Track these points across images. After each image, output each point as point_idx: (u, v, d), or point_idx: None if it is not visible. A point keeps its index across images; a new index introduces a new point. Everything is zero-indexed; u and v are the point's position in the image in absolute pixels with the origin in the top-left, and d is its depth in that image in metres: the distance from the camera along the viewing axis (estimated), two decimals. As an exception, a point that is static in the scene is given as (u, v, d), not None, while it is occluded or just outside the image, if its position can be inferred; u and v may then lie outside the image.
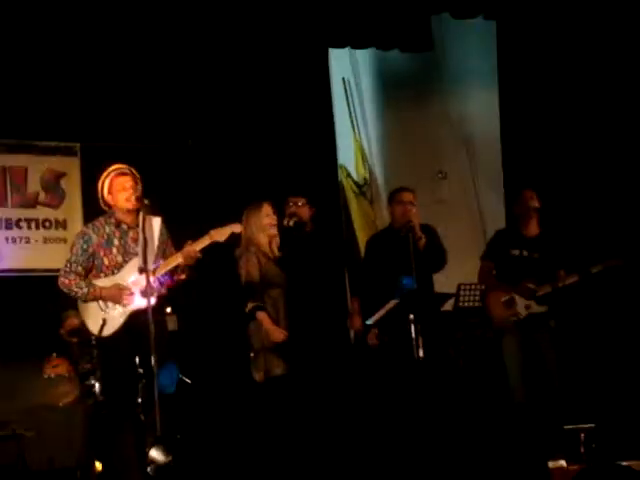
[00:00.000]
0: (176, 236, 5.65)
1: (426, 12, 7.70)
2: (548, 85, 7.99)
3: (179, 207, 6.95)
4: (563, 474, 5.29)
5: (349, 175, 8.47)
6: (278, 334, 5.90)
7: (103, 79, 7.29)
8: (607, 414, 6.34)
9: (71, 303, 5.70)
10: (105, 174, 5.53)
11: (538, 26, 7.83)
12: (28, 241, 7.31)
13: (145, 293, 5.25)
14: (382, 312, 6.08)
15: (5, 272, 7.19)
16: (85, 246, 5.46)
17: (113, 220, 5.51)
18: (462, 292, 7.20)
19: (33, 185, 7.37)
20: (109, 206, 5.54)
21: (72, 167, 7.46)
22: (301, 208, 6.47)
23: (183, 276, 5.50)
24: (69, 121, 7.32)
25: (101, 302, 5.40)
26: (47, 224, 7.38)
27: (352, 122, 8.57)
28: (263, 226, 6.06)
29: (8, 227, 7.26)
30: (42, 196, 7.39)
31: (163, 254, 5.51)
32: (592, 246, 6.96)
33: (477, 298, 7.01)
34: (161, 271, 5.39)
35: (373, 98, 8.62)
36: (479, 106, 8.58)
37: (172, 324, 6.36)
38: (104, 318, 5.38)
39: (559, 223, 6.98)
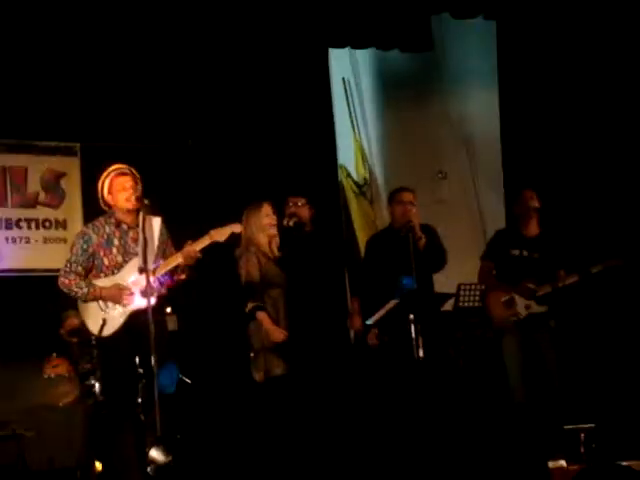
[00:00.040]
0: (176, 236, 5.65)
1: (426, 12, 7.70)
2: (548, 85, 7.99)
3: (179, 207, 6.95)
4: (563, 474, 5.29)
5: (349, 175, 8.47)
6: (278, 334, 5.90)
7: (103, 79, 7.29)
8: (607, 414, 6.34)
9: (71, 303, 5.70)
10: (105, 174, 5.53)
11: (538, 26, 7.83)
12: (28, 241, 7.31)
13: (145, 293, 5.25)
14: (382, 312, 6.08)
15: (5, 272, 7.19)
16: (85, 246, 5.46)
17: (113, 220, 5.51)
18: (462, 292, 7.19)
19: (33, 185, 7.37)
20: (109, 206, 5.53)
21: (72, 167, 7.46)
22: (301, 208, 6.47)
23: (183, 276, 5.50)
24: (69, 121, 7.32)
25: (101, 302, 5.40)
26: (47, 224, 7.38)
27: (352, 122, 8.57)
28: (263, 226, 6.05)
29: (8, 227, 7.26)
30: (42, 196, 7.39)
31: (163, 254, 5.51)
32: (592, 246, 6.97)
33: (477, 298, 7.01)
34: (161, 271, 5.39)
35: (373, 98, 8.62)
36: (479, 106, 8.58)
37: (172, 324, 6.36)
38: (104, 318, 5.38)
39: (559, 223, 6.98)
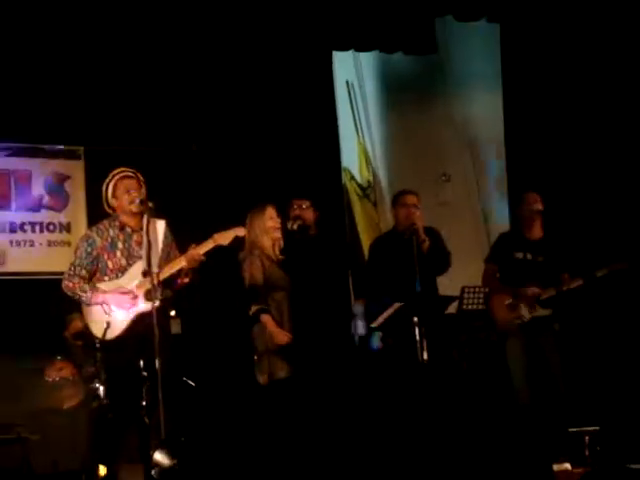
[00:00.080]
0: (180, 239, 5.65)
1: (430, 15, 7.71)
2: (552, 88, 7.99)
3: (183, 210, 6.95)
4: (568, 477, 5.29)
5: (353, 178, 8.48)
6: (282, 337, 5.90)
7: (108, 83, 7.29)
8: (612, 417, 6.33)
9: (76, 306, 5.70)
10: (109, 177, 5.53)
11: (542, 29, 7.83)
12: (32, 244, 7.31)
13: (149, 296, 5.25)
14: (386, 315, 6.08)
15: (9, 275, 7.19)
16: (89, 249, 5.47)
17: (117, 223, 5.51)
18: (466, 295, 7.20)
19: (37, 188, 7.37)
20: (113, 209, 5.54)
21: (76, 170, 7.46)
22: (305, 211, 6.47)
23: (187, 279, 5.49)
24: (73, 125, 7.32)
25: (105, 305, 5.41)
26: (51, 227, 7.38)
27: (356, 125, 8.58)
28: (267, 229, 6.05)
29: (12, 230, 7.26)
30: (46, 199, 7.39)
31: (167, 257, 5.51)
32: (596, 249, 6.96)
33: (481, 301, 7.01)
34: (165, 274, 5.39)
35: (377, 101, 8.62)
36: (483, 109, 8.58)
37: (176, 327, 6.36)
38: (108, 321, 5.38)
39: (563, 226, 6.98)
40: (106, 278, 5.46)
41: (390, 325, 6.15)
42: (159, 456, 5.01)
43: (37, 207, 7.37)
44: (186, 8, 7.03)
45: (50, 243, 7.35)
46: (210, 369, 7.09)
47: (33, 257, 7.28)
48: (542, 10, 7.62)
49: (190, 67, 7.48)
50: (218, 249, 5.43)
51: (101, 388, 6.22)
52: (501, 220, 8.10)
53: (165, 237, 5.53)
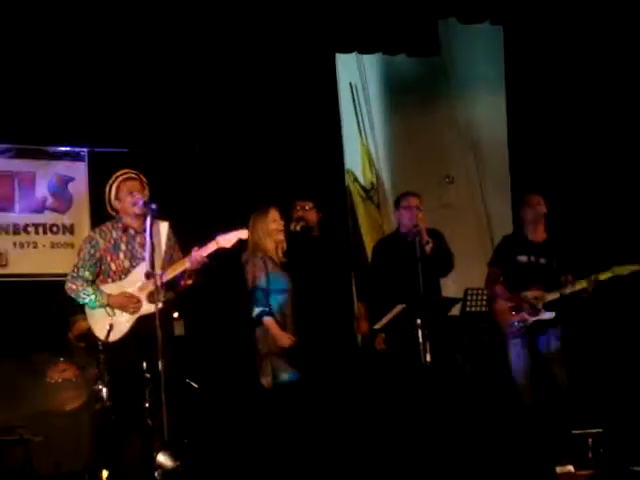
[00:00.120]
0: (183, 241, 5.65)
1: (433, 17, 7.70)
2: (555, 90, 7.99)
3: (186, 212, 6.95)
4: (571, 479, 5.28)
5: (356, 180, 8.47)
6: (285, 339, 5.89)
7: (111, 85, 7.30)
8: (615, 419, 6.33)
9: (79, 308, 5.70)
10: (112, 179, 5.53)
11: (545, 31, 7.83)
12: (36, 246, 7.31)
13: (152, 298, 5.25)
14: (389, 317, 6.08)
15: (13, 277, 7.19)
16: (92, 251, 5.47)
17: (120, 225, 5.51)
18: (469, 297, 7.20)
19: (41, 190, 7.37)
20: (116, 211, 5.54)
21: (80, 172, 7.47)
22: (308, 212, 6.47)
23: (190, 281, 5.50)
24: (77, 126, 7.32)
25: (108, 308, 5.40)
26: (55, 229, 7.38)
27: (359, 127, 8.58)
28: (270, 231, 6.05)
29: (16, 232, 7.26)
30: (50, 201, 7.39)
31: (170, 259, 5.51)
32: (600, 252, 6.95)
33: (484, 303, 7.01)
34: (168, 276, 5.38)
35: (380, 103, 8.62)
36: (486, 111, 8.58)
37: (179, 329, 6.36)
38: (111, 323, 5.38)
39: (566, 229, 6.97)
40: (109, 280, 5.46)
41: (393, 327, 6.14)
42: (162, 458, 5.01)
43: (40, 209, 7.37)
44: (190, 11, 7.03)
45: (53, 245, 7.35)
46: (213, 371, 7.09)
47: (36, 259, 7.28)
48: (545, 13, 7.62)
49: (193, 69, 7.48)
50: (221, 251, 5.43)
51: (104, 390, 6.22)
52: (504, 222, 8.09)
53: (168, 239, 5.52)
